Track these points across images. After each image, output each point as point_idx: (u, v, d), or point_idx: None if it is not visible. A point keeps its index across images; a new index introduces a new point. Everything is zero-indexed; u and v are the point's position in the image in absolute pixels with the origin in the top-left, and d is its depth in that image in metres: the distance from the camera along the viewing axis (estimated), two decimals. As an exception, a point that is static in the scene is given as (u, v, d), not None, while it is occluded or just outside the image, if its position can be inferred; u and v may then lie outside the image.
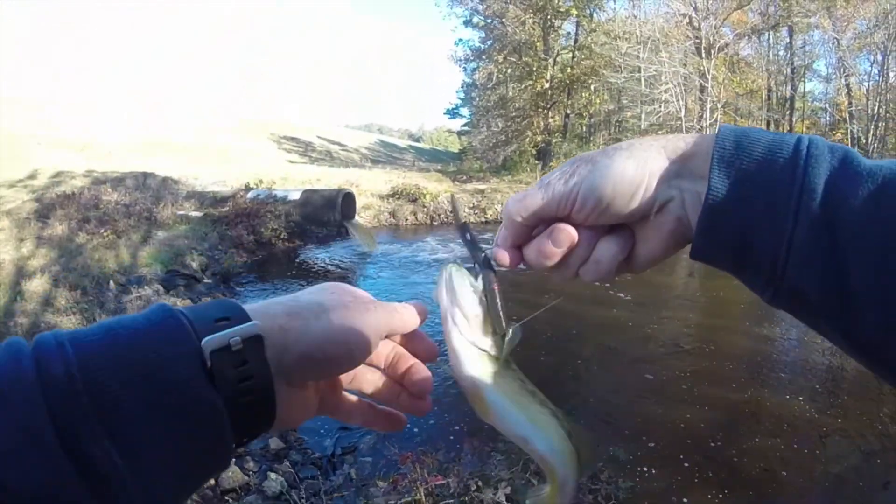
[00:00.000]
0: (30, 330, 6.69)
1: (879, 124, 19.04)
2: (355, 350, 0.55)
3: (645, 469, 5.30)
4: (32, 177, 15.06)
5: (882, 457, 5.78)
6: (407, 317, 0.62)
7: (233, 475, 4.39)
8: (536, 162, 30.61)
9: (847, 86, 23.02)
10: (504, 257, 0.64)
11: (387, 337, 0.62)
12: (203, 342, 0.44)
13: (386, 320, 0.59)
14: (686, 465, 5.38)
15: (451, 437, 5.54)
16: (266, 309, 0.52)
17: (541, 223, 0.62)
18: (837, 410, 6.63)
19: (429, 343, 0.66)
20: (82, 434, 0.37)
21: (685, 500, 4.94)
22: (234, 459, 4.88)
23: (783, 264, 0.49)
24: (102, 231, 10.61)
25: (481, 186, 24.34)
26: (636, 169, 0.55)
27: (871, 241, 0.46)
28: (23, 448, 0.36)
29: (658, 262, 0.63)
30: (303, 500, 4.11)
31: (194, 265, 10.65)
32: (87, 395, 0.38)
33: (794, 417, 6.22)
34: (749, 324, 9.55)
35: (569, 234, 0.59)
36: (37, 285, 7.75)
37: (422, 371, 0.63)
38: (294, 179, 20.55)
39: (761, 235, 0.50)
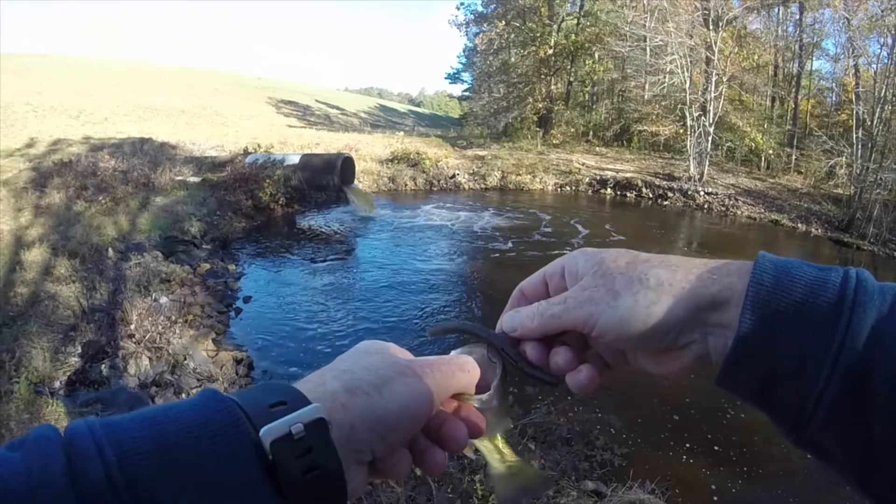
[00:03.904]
0: (29, 299, 6.68)
1: (885, 107, 18.82)
2: (423, 418, 0.53)
3: (639, 438, 5.46)
4: (30, 145, 14.89)
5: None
6: (472, 376, 0.61)
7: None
8: (538, 129, 30.49)
9: (855, 67, 22.75)
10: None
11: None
12: (261, 433, 0.42)
13: (446, 383, 0.57)
14: (679, 434, 5.54)
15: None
16: (321, 385, 0.49)
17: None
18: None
19: (479, 417, 0.60)
20: None
21: (677, 467, 5.06)
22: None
23: (808, 419, 0.45)
24: (100, 198, 10.55)
25: (481, 153, 24.24)
26: (659, 317, 0.52)
27: None
28: None
29: None
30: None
31: (193, 231, 10.63)
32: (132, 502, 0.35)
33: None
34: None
35: (567, 361, 0.61)
36: (36, 255, 7.71)
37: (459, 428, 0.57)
38: (293, 144, 20.42)
39: (789, 387, 0.46)
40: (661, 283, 0.52)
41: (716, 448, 5.30)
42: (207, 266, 9.38)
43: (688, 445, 5.30)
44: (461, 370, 0.59)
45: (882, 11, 19.87)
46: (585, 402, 5.75)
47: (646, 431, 5.48)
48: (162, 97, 31.98)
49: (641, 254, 0.57)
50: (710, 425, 5.65)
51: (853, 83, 22.40)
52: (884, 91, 18.93)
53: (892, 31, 18.93)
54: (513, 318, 0.63)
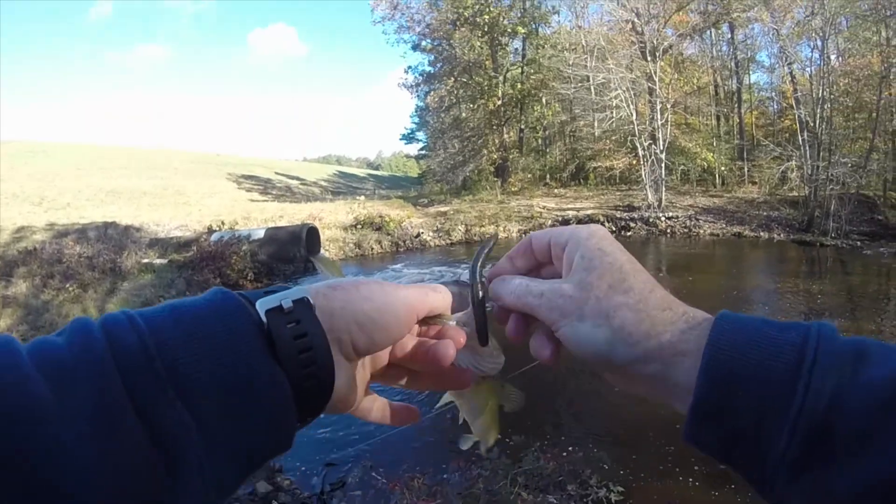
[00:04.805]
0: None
1: (825, 106, 19.50)
2: (401, 321, 0.57)
3: (638, 471, 5.31)
4: (-7, 234, 14.75)
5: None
6: (444, 297, 0.63)
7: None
8: (496, 179, 30.93)
9: (790, 73, 23.71)
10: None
11: (425, 323, 0.63)
12: (257, 303, 0.48)
13: (421, 298, 0.60)
14: (680, 461, 5.40)
15: (438, 460, 5.52)
16: (308, 285, 0.54)
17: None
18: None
19: (458, 331, 0.63)
20: (157, 400, 0.40)
21: (683, 493, 4.97)
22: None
23: (772, 477, 0.45)
24: (67, 286, 10.43)
25: (444, 209, 24.52)
26: (608, 357, 0.54)
27: (871, 471, 0.41)
28: (96, 415, 0.38)
29: None
30: (296, 539, 4.06)
31: (163, 314, 10.49)
32: (161, 362, 0.41)
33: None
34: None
35: (513, 329, 0.64)
36: (4, 348, 7.58)
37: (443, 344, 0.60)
38: (256, 218, 20.46)
39: (752, 447, 0.46)
40: (623, 328, 0.53)
41: (711, 479, 5.15)
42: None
43: (696, 468, 5.19)
44: (434, 291, 0.62)
45: (806, 17, 20.72)
46: (576, 443, 5.71)
47: (643, 464, 5.38)
48: (123, 179, 31.68)
49: (629, 277, 0.56)
50: (705, 457, 5.56)
51: (791, 89, 23.27)
52: (821, 91, 19.64)
53: (820, 33, 19.70)
54: (499, 288, 0.64)
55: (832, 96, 20.04)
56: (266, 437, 0.47)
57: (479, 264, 0.67)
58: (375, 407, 0.66)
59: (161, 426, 0.40)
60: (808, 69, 21.84)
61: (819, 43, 20.01)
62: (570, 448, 5.62)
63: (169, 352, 0.42)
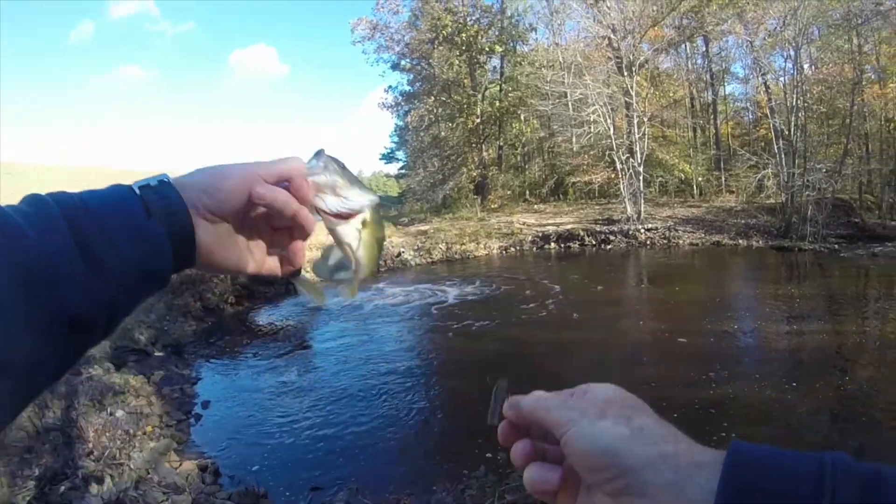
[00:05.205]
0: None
1: (799, 114, 19.91)
2: (238, 182, 0.69)
3: None
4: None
5: (854, 421, 6.06)
6: (294, 162, 0.74)
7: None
8: (475, 196, 31.03)
9: (765, 83, 24.27)
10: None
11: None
12: (133, 184, 0.67)
13: (265, 166, 0.72)
14: None
15: (425, 481, 5.48)
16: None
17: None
18: (804, 386, 6.84)
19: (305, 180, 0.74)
20: (85, 227, 0.59)
21: None
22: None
23: None
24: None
25: (424, 227, 24.54)
26: (620, 454, 0.53)
27: None
28: (47, 234, 0.56)
29: None
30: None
31: (143, 339, 10.36)
32: (86, 212, 0.60)
33: (764, 401, 6.37)
34: (705, 322, 9.72)
35: (521, 451, 0.63)
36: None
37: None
38: (236, 240, 20.34)
39: None
40: (643, 428, 0.54)
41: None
42: (161, 374, 9.08)
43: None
44: (281, 161, 0.73)
45: (779, 28, 21.12)
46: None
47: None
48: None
49: (650, 411, 0.58)
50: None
51: (766, 99, 23.69)
52: (795, 100, 20.03)
53: (793, 43, 20.05)
54: (521, 397, 0.65)
55: (806, 104, 20.47)
56: (156, 258, 0.64)
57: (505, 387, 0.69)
58: (280, 266, 0.82)
59: (85, 240, 0.59)
60: (781, 79, 22.40)
61: (792, 53, 20.45)
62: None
63: (92, 207, 0.61)
